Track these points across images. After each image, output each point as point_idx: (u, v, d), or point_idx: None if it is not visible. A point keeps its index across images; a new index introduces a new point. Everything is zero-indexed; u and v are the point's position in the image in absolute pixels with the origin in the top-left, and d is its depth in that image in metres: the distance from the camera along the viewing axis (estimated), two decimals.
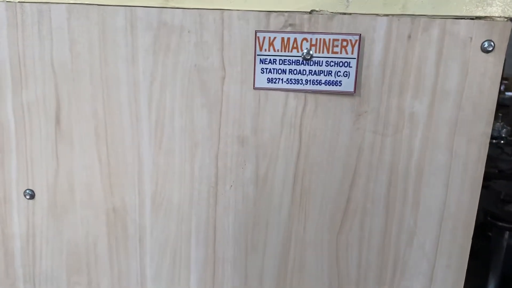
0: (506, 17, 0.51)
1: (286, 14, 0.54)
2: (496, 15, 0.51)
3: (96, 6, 0.56)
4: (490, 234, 2.73)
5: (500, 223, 2.28)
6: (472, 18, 0.52)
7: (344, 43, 0.54)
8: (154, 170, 0.62)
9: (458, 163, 0.57)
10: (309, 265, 0.64)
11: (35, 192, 0.63)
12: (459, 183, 0.58)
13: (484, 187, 2.47)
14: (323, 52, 0.54)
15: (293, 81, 0.56)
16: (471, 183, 0.58)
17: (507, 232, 2.30)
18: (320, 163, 0.60)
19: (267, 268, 0.65)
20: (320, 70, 0.55)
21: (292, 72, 0.56)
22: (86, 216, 0.64)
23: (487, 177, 2.61)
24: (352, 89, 0.55)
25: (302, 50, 0.55)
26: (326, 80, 0.55)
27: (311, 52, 0.54)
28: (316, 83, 0.56)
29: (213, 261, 0.65)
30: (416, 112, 0.56)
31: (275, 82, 0.56)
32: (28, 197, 0.63)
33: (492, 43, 0.52)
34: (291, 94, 0.57)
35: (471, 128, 0.56)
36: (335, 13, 0.54)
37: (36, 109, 0.60)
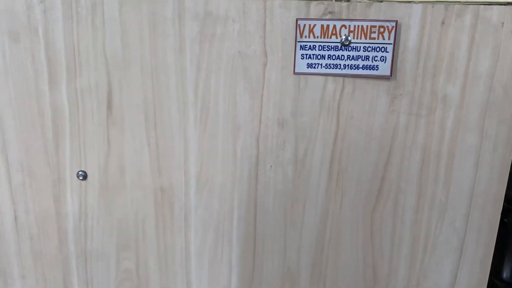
0: None
1: (326, 2, 0.58)
2: None
3: None
4: (506, 220, 2.74)
5: None
6: (504, 4, 0.55)
7: (381, 30, 0.57)
8: (199, 152, 0.66)
9: (488, 143, 0.60)
10: (344, 241, 0.68)
11: (87, 173, 0.68)
12: (489, 162, 0.61)
13: None
14: (360, 38, 0.58)
15: (332, 66, 0.59)
16: (501, 162, 0.61)
17: None
18: (356, 144, 0.63)
19: (304, 244, 0.69)
20: (358, 55, 0.58)
21: (331, 58, 0.59)
22: (135, 196, 0.68)
23: None
24: (388, 73, 0.58)
25: (341, 37, 0.58)
26: (364, 65, 0.59)
27: (349, 38, 0.58)
28: (354, 67, 0.59)
29: (253, 237, 0.69)
30: (449, 94, 0.59)
31: (314, 67, 0.60)
32: (81, 178, 0.68)
33: None
34: (330, 78, 0.60)
35: (502, 110, 0.59)
36: (372, 1, 0.57)
37: (89, 96, 0.65)
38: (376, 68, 0.58)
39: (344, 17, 0.58)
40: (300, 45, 0.59)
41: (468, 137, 0.60)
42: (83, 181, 0.68)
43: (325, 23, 0.58)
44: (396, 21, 0.56)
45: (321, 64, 0.60)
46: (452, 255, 0.66)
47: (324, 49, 0.59)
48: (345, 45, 0.58)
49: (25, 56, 0.64)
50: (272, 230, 0.68)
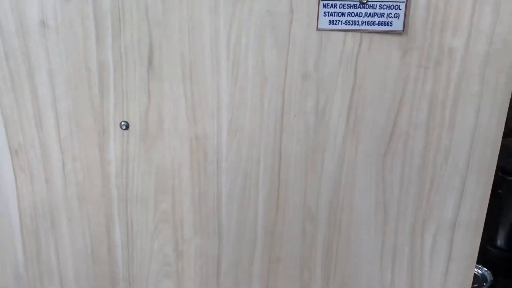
0: None
1: None
2: None
3: None
4: (500, 191, 2.84)
5: (510, 178, 2.40)
6: None
7: None
8: (230, 103, 0.74)
9: (488, 91, 0.68)
10: (359, 184, 0.77)
11: (129, 123, 0.76)
12: (489, 108, 0.69)
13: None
14: None
15: (351, 22, 0.67)
16: (499, 108, 0.69)
17: None
18: (371, 94, 0.71)
19: (322, 187, 0.77)
20: (374, 13, 0.66)
21: (350, 15, 0.67)
22: (172, 144, 0.76)
23: None
24: (401, 29, 0.66)
25: None
26: (379, 21, 0.66)
27: None
28: (371, 24, 0.67)
29: (278, 181, 0.77)
30: (454, 47, 0.67)
31: (335, 24, 0.67)
32: (123, 128, 0.76)
33: None
34: (349, 34, 0.68)
35: (501, 61, 0.67)
36: None
37: (132, 52, 0.72)
38: (390, 24, 0.66)
39: None
40: (323, 4, 0.67)
41: (470, 86, 0.69)
42: (125, 131, 0.76)
43: None
44: None
45: (341, 21, 0.67)
46: (454, 194, 0.75)
47: (344, 7, 0.66)
48: (363, 3, 0.66)
49: (74, 16, 0.71)
50: (294, 174, 0.77)
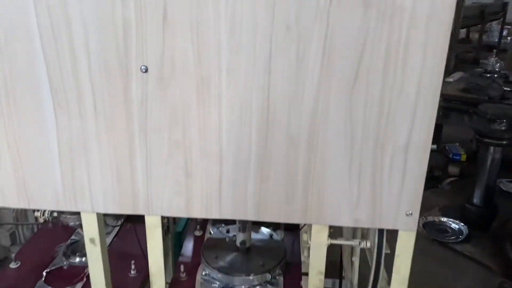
0: None
1: None
2: None
3: None
4: (478, 155, 3.07)
5: (486, 140, 2.63)
6: None
7: None
8: (228, 49, 0.92)
9: (432, 38, 0.88)
10: (331, 115, 0.96)
11: (148, 67, 0.94)
12: (432, 53, 0.89)
13: (474, 112, 2.87)
14: None
15: None
16: (440, 53, 0.89)
17: (492, 148, 2.64)
18: (340, 42, 0.90)
19: (303, 118, 0.97)
20: None
21: None
22: (183, 83, 0.95)
23: (477, 103, 3.01)
24: None
25: None
26: None
27: None
28: None
29: (267, 113, 0.97)
30: (405, 5, 0.86)
31: None
32: (143, 71, 0.94)
33: None
34: None
35: (441, 15, 0.86)
36: None
37: (150, 9, 0.90)
38: None
39: None
40: None
41: (418, 35, 0.88)
42: (144, 74, 0.95)
43: None
44: None
45: None
46: (406, 121, 0.95)
47: None
48: None
49: None
50: (280, 107, 0.96)
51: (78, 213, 1.49)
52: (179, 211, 1.08)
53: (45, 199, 1.09)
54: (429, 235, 2.66)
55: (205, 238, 1.58)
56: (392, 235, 1.10)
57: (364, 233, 1.31)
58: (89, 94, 0.98)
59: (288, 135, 0.99)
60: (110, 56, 0.94)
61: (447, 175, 3.47)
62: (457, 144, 3.95)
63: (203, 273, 1.41)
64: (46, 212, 1.71)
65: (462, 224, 2.73)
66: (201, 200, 1.06)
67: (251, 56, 0.93)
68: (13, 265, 1.47)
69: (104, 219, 1.27)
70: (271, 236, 1.58)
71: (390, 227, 1.05)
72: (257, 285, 1.36)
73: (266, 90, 0.95)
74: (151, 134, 1.01)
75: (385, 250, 1.15)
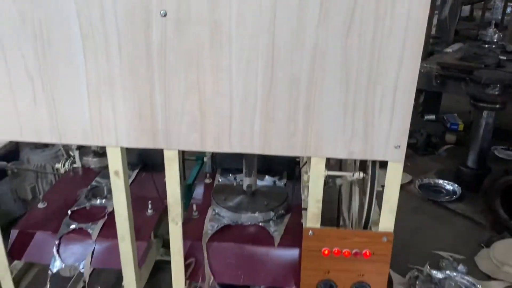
0: None
1: None
2: None
3: None
4: (472, 121, 3.19)
5: (480, 104, 2.75)
6: None
7: None
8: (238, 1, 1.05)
9: None
10: (329, 58, 1.08)
11: (167, 12, 1.06)
12: (417, 4, 1.01)
13: (470, 79, 3.00)
14: None
15: None
16: (425, 4, 1.01)
17: (486, 112, 2.77)
18: None
19: (304, 61, 1.09)
20: None
21: None
22: (198, 28, 1.08)
23: (473, 71, 3.13)
24: None
25: None
26: None
27: None
28: None
29: (272, 57, 1.09)
30: None
31: None
32: (163, 15, 1.07)
33: None
34: None
35: None
36: None
37: None
38: None
39: None
40: None
41: None
42: (163, 18, 1.07)
43: None
44: None
45: None
46: (395, 64, 1.07)
47: None
48: None
49: None
50: (284, 51, 1.09)
51: (98, 158, 1.64)
52: (194, 145, 1.22)
53: (75, 134, 1.23)
54: (425, 195, 2.80)
55: (214, 185, 1.73)
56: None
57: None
58: (114, 38, 1.11)
59: (291, 77, 1.11)
60: (134, 2, 1.07)
61: (444, 142, 3.60)
62: (455, 114, 4.06)
63: (213, 212, 1.56)
64: (67, 163, 1.86)
65: (456, 185, 2.87)
66: (213, 136, 1.20)
67: (258, 4, 1.05)
68: (40, 205, 1.62)
69: None
70: (274, 182, 1.72)
71: (381, 158, 1.19)
72: (261, 221, 1.51)
73: (272, 35, 1.08)
74: (169, 74, 1.14)
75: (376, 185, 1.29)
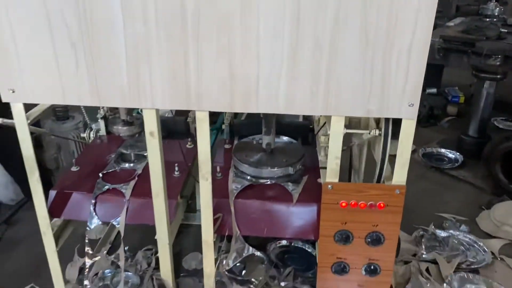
0: None
1: None
2: None
3: None
4: (471, 89, 3.29)
5: (482, 74, 2.85)
6: None
7: None
8: None
9: None
10: (350, 24, 1.18)
11: None
12: None
13: (472, 51, 3.09)
14: None
15: None
16: None
17: (487, 82, 2.87)
18: None
19: (327, 24, 1.19)
20: None
21: None
22: None
23: (475, 43, 3.23)
24: None
25: None
26: None
27: None
28: None
29: (297, 19, 1.19)
30: None
31: None
32: None
33: None
34: None
35: None
36: None
37: None
38: None
39: None
40: None
41: None
42: None
43: None
44: None
45: None
46: (411, 26, 1.17)
47: None
48: None
49: None
50: (308, 14, 1.18)
51: (128, 126, 1.74)
52: (224, 107, 1.33)
53: (113, 97, 1.33)
54: (428, 163, 2.92)
55: (234, 144, 1.83)
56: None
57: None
58: (151, 5, 1.20)
59: (314, 39, 1.21)
60: None
61: (446, 114, 3.71)
62: (456, 88, 4.17)
63: (235, 170, 1.68)
64: (92, 132, 1.97)
65: (458, 153, 2.99)
66: (242, 97, 1.30)
67: None
68: (74, 169, 1.73)
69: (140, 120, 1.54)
70: (290, 142, 1.83)
71: (396, 116, 1.30)
72: (280, 177, 1.62)
73: (297, 1, 1.17)
74: (202, 39, 1.24)
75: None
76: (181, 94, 1.31)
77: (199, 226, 1.95)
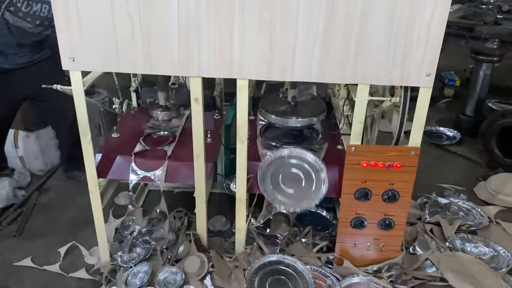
0: None
1: None
2: None
3: None
4: (469, 77, 3.49)
5: (480, 57, 3.05)
6: None
7: None
8: None
9: None
10: (379, 5, 1.35)
11: None
12: None
13: (470, 36, 3.29)
14: None
15: None
16: None
17: (485, 64, 3.07)
18: None
19: (358, 3, 1.36)
20: None
21: None
22: None
23: (473, 28, 3.43)
24: None
25: None
26: None
27: None
28: None
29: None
30: None
31: None
32: None
33: None
34: None
35: None
36: None
37: None
38: None
39: None
40: None
41: None
42: None
43: None
44: None
45: None
46: (432, 1, 1.34)
47: None
48: None
49: None
50: None
51: (165, 112, 1.89)
52: (263, 75, 1.49)
53: (164, 66, 1.49)
54: (428, 140, 3.12)
55: (260, 100, 1.99)
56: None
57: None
58: None
59: (346, 15, 1.38)
60: None
61: (443, 96, 3.92)
62: (452, 72, 4.37)
63: (261, 123, 1.85)
64: (124, 104, 2.12)
65: (456, 131, 3.20)
66: (279, 66, 1.47)
67: None
68: (114, 135, 1.89)
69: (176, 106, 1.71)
70: (313, 98, 1.99)
71: (414, 84, 1.48)
72: (305, 126, 1.80)
73: None
74: (246, 15, 1.40)
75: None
76: (225, 64, 1.47)
77: (221, 194, 2.13)
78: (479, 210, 2.34)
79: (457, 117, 3.28)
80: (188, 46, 1.45)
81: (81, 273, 1.87)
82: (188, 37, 1.44)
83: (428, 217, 2.25)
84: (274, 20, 1.40)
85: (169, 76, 1.82)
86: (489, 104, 3.78)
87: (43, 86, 1.66)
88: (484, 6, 3.89)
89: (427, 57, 1.43)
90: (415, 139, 1.58)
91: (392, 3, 1.36)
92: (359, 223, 1.74)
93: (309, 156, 1.67)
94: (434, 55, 1.43)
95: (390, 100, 1.57)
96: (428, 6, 1.35)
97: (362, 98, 1.52)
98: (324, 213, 2.20)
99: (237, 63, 1.47)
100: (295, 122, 1.79)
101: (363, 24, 1.39)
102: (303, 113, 1.81)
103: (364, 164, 1.63)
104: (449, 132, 3.23)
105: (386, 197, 1.68)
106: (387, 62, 1.44)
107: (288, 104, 1.87)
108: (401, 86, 1.55)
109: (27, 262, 1.94)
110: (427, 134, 3.21)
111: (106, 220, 2.05)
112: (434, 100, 3.84)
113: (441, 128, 3.28)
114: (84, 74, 1.62)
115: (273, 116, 1.80)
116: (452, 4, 4.27)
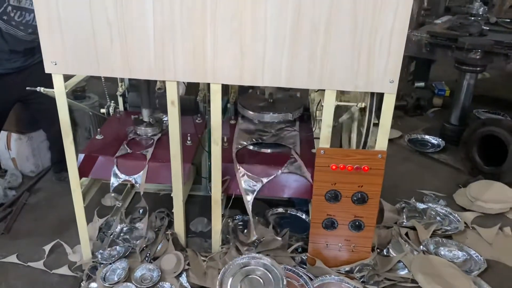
0: None
1: None
2: None
3: None
4: (456, 80, 3.56)
5: (464, 67, 3.12)
6: None
7: None
8: None
9: None
10: (343, 7, 1.43)
11: None
12: None
13: (456, 46, 3.37)
14: None
15: None
16: None
17: (468, 74, 3.14)
18: None
19: (323, 8, 1.44)
20: None
21: None
22: None
23: (457, 39, 3.52)
24: None
25: None
26: None
27: None
28: None
29: (299, 5, 1.44)
30: None
31: None
32: None
33: None
34: None
35: None
36: None
37: None
38: None
39: None
40: None
41: None
42: None
43: None
44: None
45: None
46: (392, 12, 1.42)
47: None
48: None
49: None
50: (308, 0, 1.43)
51: (150, 128, 1.97)
52: (235, 80, 1.57)
53: (142, 70, 1.57)
54: (413, 147, 3.18)
55: (239, 98, 2.08)
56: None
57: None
58: None
59: (312, 23, 1.46)
60: None
61: (432, 106, 3.98)
62: (443, 82, 4.44)
63: (241, 121, 1.92)
64: (111, 108, 2.20)
65: (440, 139, 3.26)
66: (250, 72, 1.55)
67: None
68: (98, 137, 1.97)
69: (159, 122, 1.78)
70: (291, 96, 2.08)
71: (379, 90, 1.55)
72: (282, 122, 1.88)
73: None
74: (218, 23, 1.48)
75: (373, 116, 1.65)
76: (199, 69, 1.55)
77: (204, 196, 2.20)
78: (456, 215, 2.39)
79: (443, 125, 3.35)
80: (164, 51, 1.53)
81: (64, 270, 1.94)
82: (163, 43, 1.52)
83: (405, 221, 2.31)
84: (244, 28, 1.48)
85: (155, 82, 1.90)
86: (476, 114, 3.84)
87: (27, 88, 1.74)
88: (472, 18, 3.97)
89: (390, 64, 1.50)
90: (382, 143, 1.65)
91: (354, 14, 1.43)
92: (330, 224, 1.80)
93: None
94: (396, 63, 1.50)
95: (356, 105, 1.64)
96: (389, 15, 1.43)
97: (330, 103, 1.59)
98: (303, 216, 2.27)
99: (210, 68, 1.55)
100: (270, 117, 1.88)
101: (328, 32, 1.47)
102: (279, 109, 1.91)
103: (334, 167, 1.69)
104: (434, 140, 3.30)
105: (355, 198, 1.74)
106: (352, 69, 1.52)
107: (266, 101, 1.96)
108: (366, 92, 1.63)
109: (12, 258, 2.01)
110: (412, 142, 3.28)
111: (91, 219, 2.13)
112: (423, 109, 3.91)
113: (427, 136, 3.35)
114: (69, 77, 1.71)
115: (250, 112, 1.89)
116: (442, 16, 4.36)
